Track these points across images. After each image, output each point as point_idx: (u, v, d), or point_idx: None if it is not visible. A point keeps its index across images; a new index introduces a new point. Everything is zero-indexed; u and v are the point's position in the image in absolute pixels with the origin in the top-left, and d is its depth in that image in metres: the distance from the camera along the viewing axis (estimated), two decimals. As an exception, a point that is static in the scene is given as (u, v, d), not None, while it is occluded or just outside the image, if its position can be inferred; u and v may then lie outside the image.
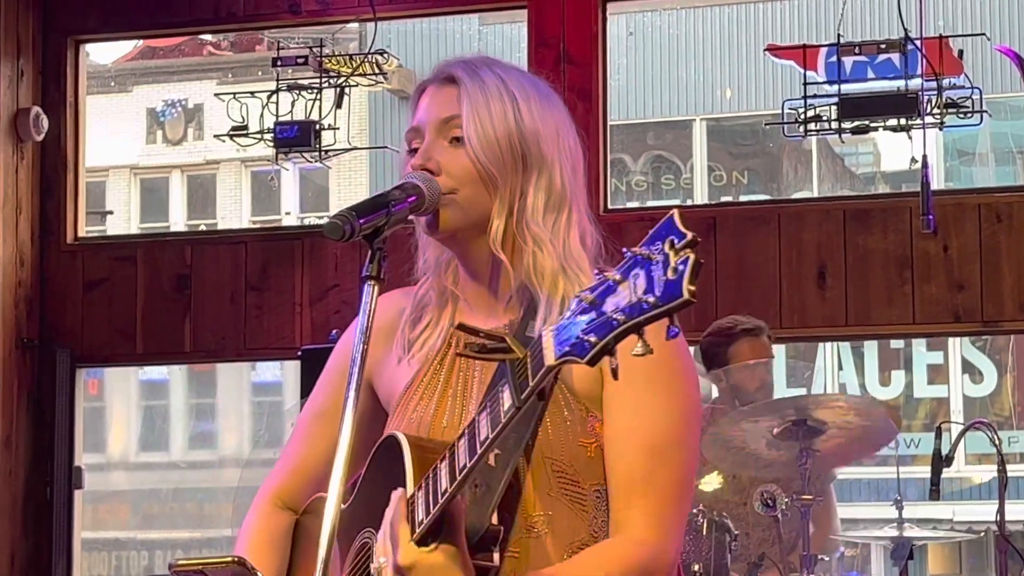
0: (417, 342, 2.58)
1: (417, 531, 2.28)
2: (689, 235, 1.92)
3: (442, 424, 2.50)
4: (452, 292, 2.57)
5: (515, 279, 2.51)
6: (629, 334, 1.96)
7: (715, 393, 6.03)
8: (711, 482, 5.69)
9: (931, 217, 6.47)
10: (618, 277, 1.98)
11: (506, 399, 2.17)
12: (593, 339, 1.99)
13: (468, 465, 2.22)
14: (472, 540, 2.32)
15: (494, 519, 2.35)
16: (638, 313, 1.94)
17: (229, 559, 2.39)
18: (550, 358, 2.06)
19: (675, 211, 1.96)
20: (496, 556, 2.34)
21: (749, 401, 5.70)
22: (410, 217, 2.44)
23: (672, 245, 1.92)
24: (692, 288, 1.89)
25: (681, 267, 1.91)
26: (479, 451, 2.21)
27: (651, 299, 1.92)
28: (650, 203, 19.16)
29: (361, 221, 2.31)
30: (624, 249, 1.98)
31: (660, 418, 2.42)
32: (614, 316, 1.97)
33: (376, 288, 2.32)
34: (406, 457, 2.36)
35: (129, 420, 21.72)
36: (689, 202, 19.54)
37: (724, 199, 18.77)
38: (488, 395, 2.24)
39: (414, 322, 2.59)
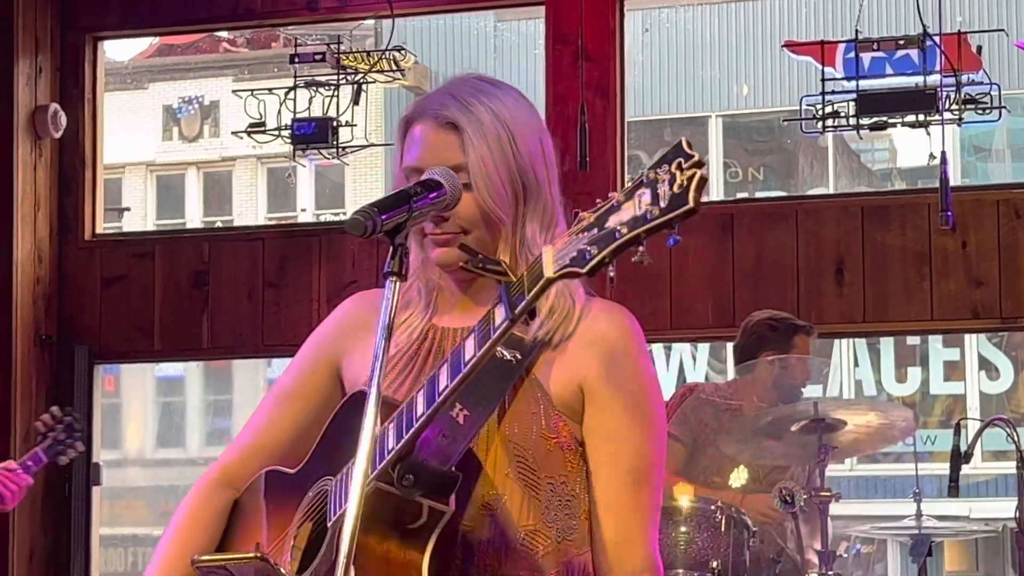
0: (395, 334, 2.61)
1: (387, 458, 2.33)
2: (696, 155, 2.06)
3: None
4: (438, 286, 2.62)
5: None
6: (631, 245, 2.11)
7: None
8: (739, 478, 5.70)
9: (950, 214, 6.46)
10: (622, 197, 2.13)
11: (499, 315, 2.27)
12: (594, 250, 2.14)
13: (450, 386, 2.30)
14: (430, 483, 2.38)
15: (452, 469, 2.41)
16: (642, 223, 2.09)
17: (252, 556, 2.39)
18: (549, 271, 2.19)
19: (683, 139, 2.09)
20: (452, 501, 2.39)
21: (790, 393, 5.75)
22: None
23: (679, 166, 2.07)
24: (697, 197, 2.05)
25: (686, 182, 2.06)
26: (463, 370, 2.29)
27: (655, 210, 2.08)
28: (666, 200, 19.12)
29: (383, 217, 2.32)
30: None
31: (641, 445, 2.53)
32: (617, 229, 2.11)
33: (397, 284, 2.32)
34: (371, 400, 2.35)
35: (146, 416, 21.76)
36: (705, 199, 19.50)
37: (740, 196, 18.75)
38: (480, 321, 2.31)
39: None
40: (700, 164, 2.06)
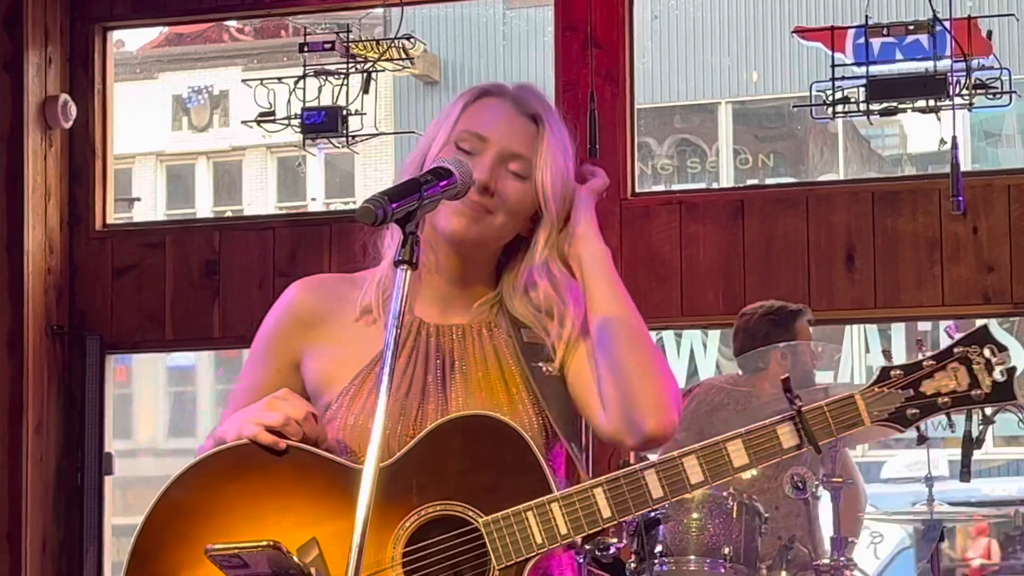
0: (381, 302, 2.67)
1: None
2: (1008, 347, 2.49)
3: (430, 409, 2.59)
4: (415, 276, 2.60)
5: (495, 295, 2.70)
6: (944, 414, 2.49)
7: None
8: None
9: (961, 199, 6.45)
10: (933, 365, 2.48)
11: (791, 439, 2.51)
12: (915, 413, 2.48)
13: (707, 481, 2.48)
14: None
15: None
16: (966, 402, 2.47)
17: (264, 544, 2.39)
18: (866, 420, 2.50)
19: (989, 322, 2.54)
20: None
21: (804, 379, 5.75)
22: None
23: (993, 351, 2.48)
24: (1018, 392, 2.47)
25: (1007, 374, 2.48)
26: (728, 476, 2.50)
27: (980, 394, 2.47)
28: (675, 186, 19.12)
29: (394, 205, 2.33)
30: (924, 351, 2.51)
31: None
32: (939, 400, 2.47)
33: (408, 272, 2.33)
34: (535, 451, 2.49)
35: (157, 406, 21.78)
36: (715, 185, 19.50)
37: (750, 182, 18.74)
38: (755, 428, 2.50)
39: (364, 311, 2.68)
40: (1010, 355, 2.49)
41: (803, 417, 2.49)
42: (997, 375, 2.47)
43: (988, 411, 2.49)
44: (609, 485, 2.44)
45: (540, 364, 2.60)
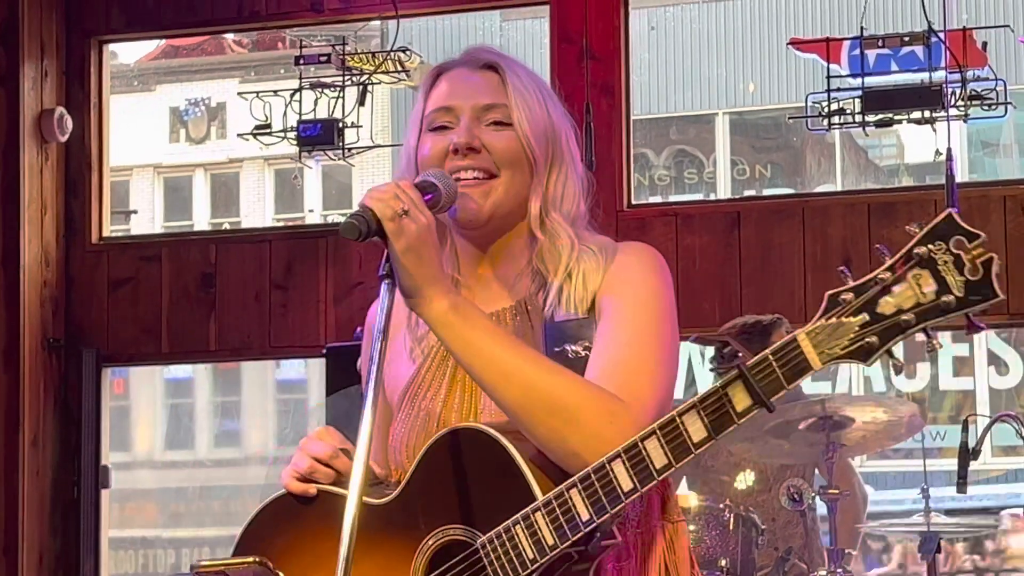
0: (421, 337, 2.60)
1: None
2: (981, 234, 2.01)
3: (452, 415, 2.53)
4: (455, 280, 2.57)
5: (527, 262, 2.58)
6: (915, 333, 2.03)
7: None
8: (745, 480, 5.69)
9: (956, 210, 6.45)
10: (888, 276, 2.05)
11: (742, 399, 2.18)
12: (875, 341, 2.07)
13: (671, 464, 2.22)
14: None
15: None
16: (934, 314, 2.02)
17: (251, 560, 2.38)
18: (815, 361, 2.11)
19: (952, 211, 2.02)
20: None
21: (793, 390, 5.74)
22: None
23: (960, 245, 2.00)
24: (999, 284, 1.98)
25: (982, 268, 1.99)
26: (693, 453, 2.21)
27: (949, 299, 2.00)
28: (672, 197, 19.12)
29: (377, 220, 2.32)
30: (880, 247, 2.05)
31: (638, 324, 2.47)
32: (901, 318, 2.04)
33: (394, 287, 2.33)
34: (516, 456, 2.32)
35: (154, 418, 21.76)
36: (712, 196, 19.51)
37: (747, 193, 18.75)
38: (707, 395, 2.21)
39: (412, 318, 2.59)
40: (985, 243, 2.01)
41: (748, 373, 2.14)
42: (969, 272, 2.00)
43: (976, 321, 2.01)
44: (583, 484, 2.25)
45: (567, 347, 2.47)
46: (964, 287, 2.00)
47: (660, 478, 2.22)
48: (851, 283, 2.11)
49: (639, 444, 2.23)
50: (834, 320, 2.09)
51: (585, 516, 2.26)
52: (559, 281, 2.52)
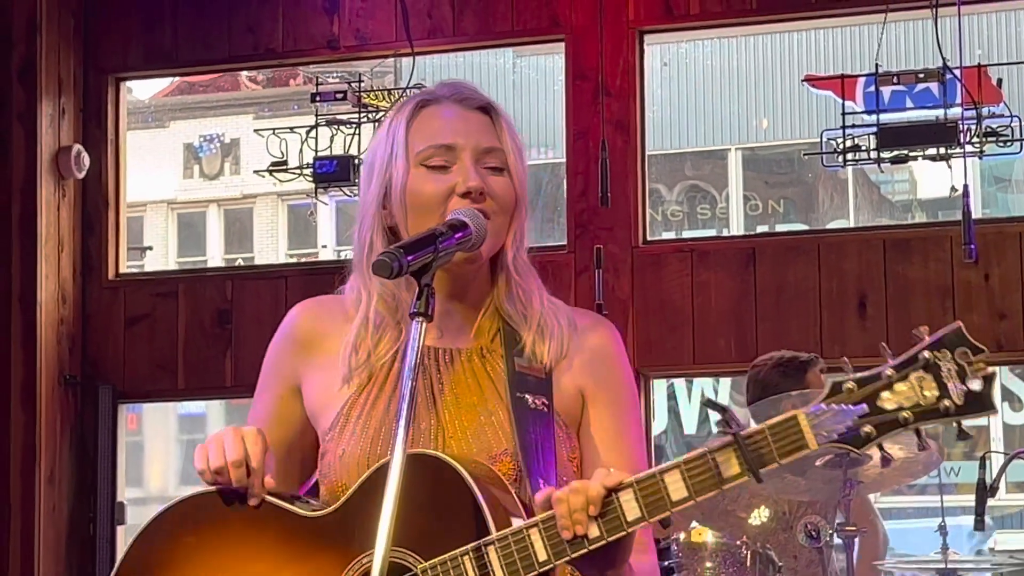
0: (366, 359, 2.59)
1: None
2: (984, 348, 2.14)
3: (428, 434, 2.51)
4: (405, 302, 2.56)
5: (489, 301, 2.61)
6: (906, 432, 2.16)
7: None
8: (759, 516, 5.68)
9: (973, 247, 6.46)
10: (894, 375, 2.18)
11: (731, 467, 2.23)
12: (871, 431, 2.19)
13: (643, 518, 2.26)
14: None
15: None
16: (933, 416, 2.15)
17: None
18: (811, 442, 2.19)
19: (960, 323, 2.15)
20: None
21: None
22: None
23: (964, 356, 2.13)
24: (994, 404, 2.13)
25: (983, 383, 2.13)
26: (666, 510, 2.26)
27: (949, 406, 2.14)
28: (686, 233, 19.13)
29: (409, 258, 2.34)
30: (884, 346, 2.19)
31: (635, 430, 2.62)
32: (900, 414, 2.17)
33: (424, 324, 2.33)
34: (475, 489, 2.34)
35: (168, 454, 21.76)
36: (725, 231, 19.50)
37: (760, 228, 18.75)
38: (694, 459, 2.26)
39: (359, 341, 2.60)
40: (988, 358, 2.13)
41: (742, 442, 2.22)
42: (972, 383, 2.13)
43: (965, 423, 2.15)
44: (545, 524, 2.28)
45: (527, 396, 2.50)
46: (964, 397, 2.13)
47: (629, 530, 2.26)
48: (853, 373, 2.22)
49: (614, 496, 2.26)
50: (835, 406, 2.19)
51: (542, 556, 2.28)
52: (531, 336, 2.57)
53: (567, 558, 2.27)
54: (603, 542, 2.25)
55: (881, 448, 2.19)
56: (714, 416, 2.28)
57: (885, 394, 2.17)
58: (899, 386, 2.16)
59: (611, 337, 2.64)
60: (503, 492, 2.39)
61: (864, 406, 2.18)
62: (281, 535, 2.47)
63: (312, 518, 2.47)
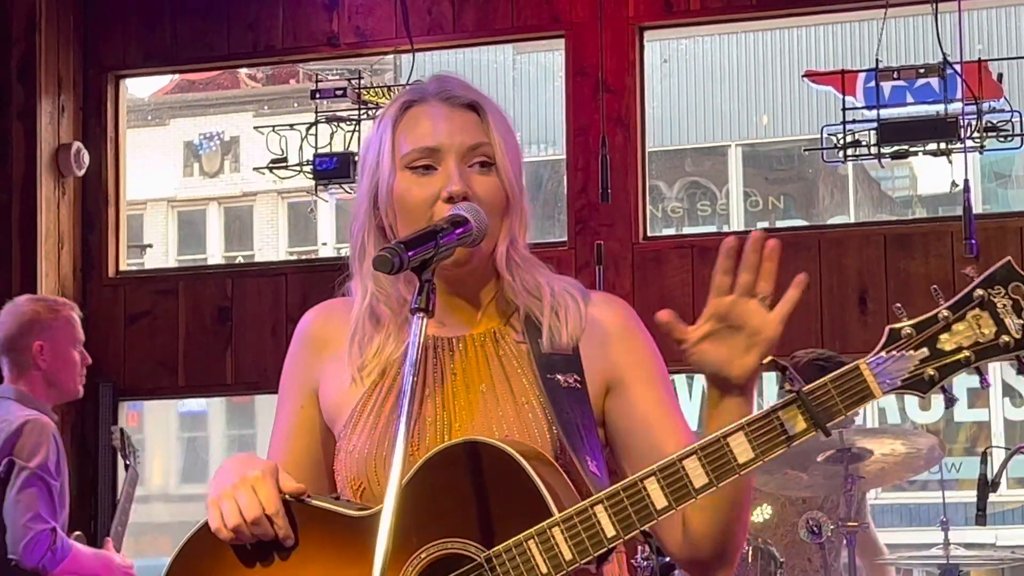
0: (372, 357, 2.58)
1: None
2: None
3: (433, 425, 2.51)
4: (405, 298, 2.57)
5: (492, 296, 2.60)
6: (967, 371, 2.18)
7: None
8: (762, 513, 5.68)
9: (974, 242, 6.46)
10: (950, 315, 2.19)
11: (797, 423, 2.26)
12: (935, 374, 2.19)
13: (712, 484, 2.25)
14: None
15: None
16: (993, 352, 2.16)
17: None
18: (877, 391, 2.23)
19: (1010, 258, 2.18)
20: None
21: (843, 424, 5.74)
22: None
23: (1019, 290, 2.16)
24: None
25: None
26: (740, 473, 2.26)
27: (1007, 340, 2.16)
28: (686, 229, 19.13)
29: (410, 254, 2.33)
30: (935, 288, 2.19)
31: (676, 402, 2.61)
32: (960, 355, 2.18)
33: (425, 320, 2.32)
34: (530, 472, 2.32)
35: (169, 452, 21.77)
36: (725, 228, 19.51)
37: (760, 225, 18.73)
38: (758, 419, 2.27)
39: (363, 340, 2.60)
40: None
41: (805, 398, 2.24)
42: None
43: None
44: (610, 501, 2.26)
45: (557, 376, 2.50)
46: (1022, 330, 2.15)
47: (698, 497, 2.25)
48: (909, 319, 2.22)
49: (678, 463, 2.26)
50: (896, 353, 2.21)
51: (611, 532, 2.27)
52: (548, 316, 2.55)
53: (636, 531, 2.26)
54: (671, 511, 2.25)
55: (945, 390, 2.20)
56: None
57: (944, 336, 2.18)
58: (957, 326, 2.17)
59: (627, 313, 2.65)
60: (554, 472, 2.37)
61: (925, 349, 2.19)
62: (334, 538, 2.45)
63: (360, 518, 2.44)
